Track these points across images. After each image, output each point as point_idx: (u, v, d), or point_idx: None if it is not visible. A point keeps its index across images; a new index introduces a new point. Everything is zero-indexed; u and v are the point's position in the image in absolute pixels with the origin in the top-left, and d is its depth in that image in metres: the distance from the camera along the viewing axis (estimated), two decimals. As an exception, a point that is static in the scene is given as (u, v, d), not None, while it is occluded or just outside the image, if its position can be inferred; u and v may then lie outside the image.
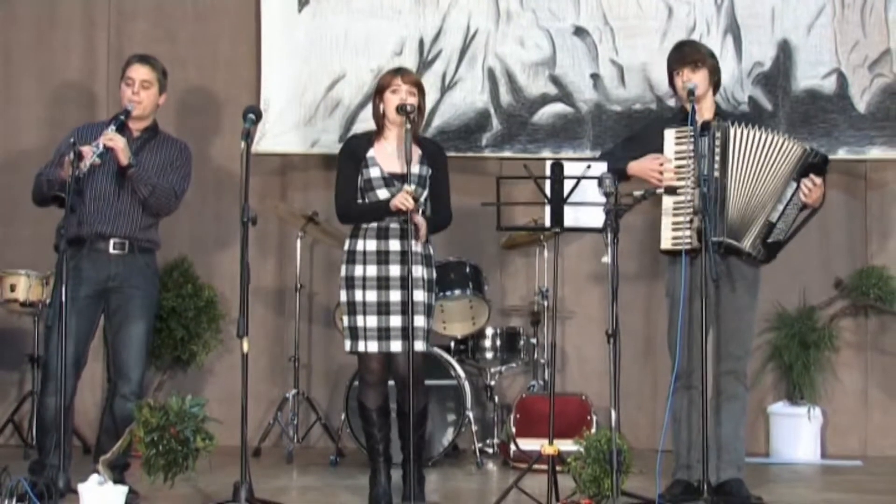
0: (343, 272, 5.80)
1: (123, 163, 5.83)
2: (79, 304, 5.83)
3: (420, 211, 5.75)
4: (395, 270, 5.69)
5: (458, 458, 7.44)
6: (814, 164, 5.84)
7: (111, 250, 5.94)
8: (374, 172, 5.75)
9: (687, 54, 5.98)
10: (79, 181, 5.69)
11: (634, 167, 5.91)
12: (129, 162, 5.83)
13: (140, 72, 6.04)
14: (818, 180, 5.85)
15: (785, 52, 7.85)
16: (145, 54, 6.23)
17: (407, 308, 5.59)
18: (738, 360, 5.91)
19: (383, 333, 5.70)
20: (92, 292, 5.92)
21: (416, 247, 5.71)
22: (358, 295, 5.74)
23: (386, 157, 5.78)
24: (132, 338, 5.96)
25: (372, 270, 5.73)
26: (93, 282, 5.90)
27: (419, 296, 5.69)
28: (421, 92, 5.81)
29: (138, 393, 5.95)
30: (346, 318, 5.78)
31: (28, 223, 7.89)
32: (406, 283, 5.60)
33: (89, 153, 5.72)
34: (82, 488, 5.28)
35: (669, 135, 5.87)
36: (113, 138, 5.81)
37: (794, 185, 5.83)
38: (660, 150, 5.87)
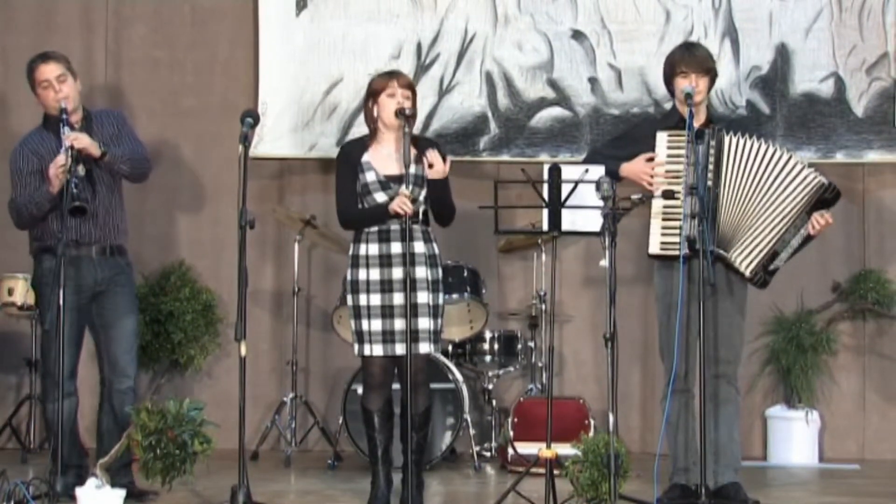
0: (348, 276, 5.81)
1: (97, 154, 5.84)
2: (71, 313, 5.84)
3: (419, 211, 5.75)
4: (397, 273, 5.68)
5: (456, 462, 7.44)
6: (827, 200, 5.83)
7: (94, 256, 5.95)
8: (370, 177, 5.75)
9: (701, 60, 5.88)
10: (77, 185, 5.68)
11: (626, 169, 5.90)
12: (102, 150, 5.84)
13: (50, 70, 5.99)
14: (829, 216, 5.83)
15: (783, 55, 7.85)
16: (43, 52, 6.15)
17: (411, 311, 5.60)
18: (729, 363, 5.91)
19: (388, 337, 5.70)
20: (83, 300, 5.94)
21: (420, 248, 5.72)
22: (362, 299, 5.74)
23: (381, 160, 5.78)
24: (125, 333, 5.99)
25: (375, 274, 5.73)
26: (80, 289, 5.91)
27: (423, 297, 5.69)
28: (414, 94, 5.80)
29: (135, 388, 5.97)
30: (352, 322, 5.79)
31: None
32: (409, 285, 5.61)
33: (66, 159, 5.70)
34: (80, 492, 5.29)
35: (661, 137, 5.85)
36: (77, 137, 5.80)
37: (806, 217, 5.82)
38: (650, 151, 5.85)
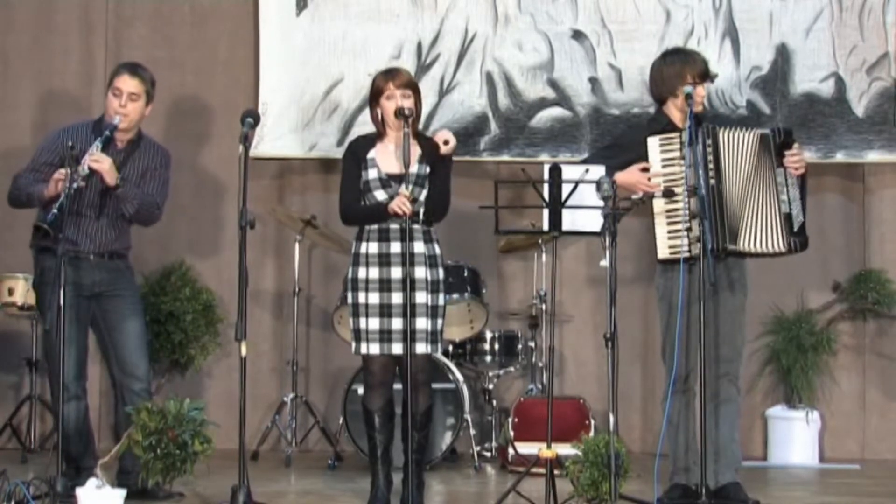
0: (349, 274, 5.81)
1: (111, 184, 5.82)
2: (70, 311, 5.83)
3: (419, 211, 5.73)
4: (396, 272, 5.68)
5: (457, 462, 7.44)
6: (785, 142, 5.84)
7: (91, 258, 5.96)
8: (372, 174, 5.75)
9: (706, 67, 5.93)
10: (68, 199, 5.66)
11: (621, 179, 5.85)
12: (117, 182, 5.82)
13: (129, 84, 5.98)
14: (796, 150, 5.84)
15: (783, 55, 7.86)
16: (135, 64, 6.15)
17: (410, 311, 5.60)
18: (731, 362, 5.91)
19: (385, 336, 5.70)
20: (82, 299, 5.93)
21: (419, 248, 5.71)
22: (361, 297, 5.73)
23: (385, 158, 5.77)
24: (131, 334, 5.99)
25: (374, 273, 5.72)
26: (78, 288, 5.90)
27: (422, 297, 5.68)
28: (415, 91, 5.78)
29: (149, 389, 5.97)
30: (351, 321, 5.79)
31: (26, 226, 7.85)
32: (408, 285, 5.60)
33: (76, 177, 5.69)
34: (80, 492, 5.28)
35: (653, 143, 5.83)
36: (99, 160, 5.76)
37: (782, 169, 5.82)
38: (642, 157, 5.84)
